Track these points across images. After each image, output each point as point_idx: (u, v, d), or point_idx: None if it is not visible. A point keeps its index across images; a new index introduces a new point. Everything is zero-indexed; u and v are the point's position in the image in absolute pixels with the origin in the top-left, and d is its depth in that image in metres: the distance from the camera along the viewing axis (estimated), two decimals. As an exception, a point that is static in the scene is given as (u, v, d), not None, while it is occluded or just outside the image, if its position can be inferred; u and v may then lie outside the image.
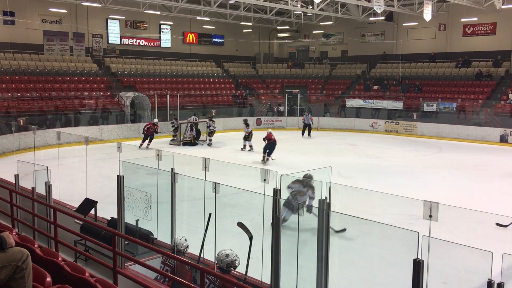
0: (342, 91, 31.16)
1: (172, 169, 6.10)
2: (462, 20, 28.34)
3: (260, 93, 31.79)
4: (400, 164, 16.78)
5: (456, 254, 4.68)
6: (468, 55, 28.27)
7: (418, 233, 3.25)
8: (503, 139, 22.14)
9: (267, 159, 16.44)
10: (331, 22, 32.34)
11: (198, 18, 29.63)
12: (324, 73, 33.95)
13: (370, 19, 28.64)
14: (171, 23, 31.63)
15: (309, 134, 24.04)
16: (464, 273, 5.11)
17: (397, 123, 26.02)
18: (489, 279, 2.98)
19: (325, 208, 4.42)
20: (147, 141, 19.30)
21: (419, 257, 3.34)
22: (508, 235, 7.92)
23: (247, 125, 19.81)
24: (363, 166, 16.09)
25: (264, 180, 5.45)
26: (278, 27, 35.29)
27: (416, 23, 29.01)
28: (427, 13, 21.10)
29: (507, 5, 24.05)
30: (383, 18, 29.19)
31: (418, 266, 3.25)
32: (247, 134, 19.30)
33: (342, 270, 6.00)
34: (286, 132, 26.28)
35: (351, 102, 28.92)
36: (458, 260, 4.82)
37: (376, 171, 15.21)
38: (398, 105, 27.12)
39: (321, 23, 32.48)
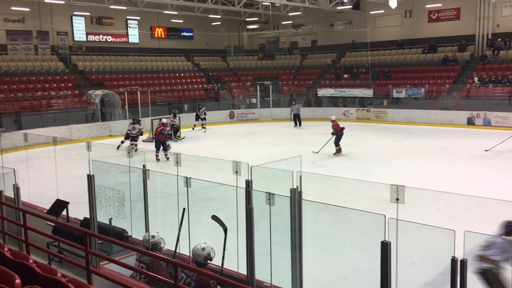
0: (313, 81, 31.39)
1: (144, 166, 6.07)
2: (427, 6, 28.90)
3: (232, 86, 31.73)
4: (373, 150, 17.05)
5: (424, 235, 4.83)
6: (434, 40, 28.84)
7: (385, 216, 3.33)
8: (470, 122, 22.76)
9: (339, 150, 16.07)
10: (300, 13, 32.43)
11: (165, 12, 29.27)
12: (295, 64, 34.10)
13: (338, 8, 28.87)
14: (138, 18, 31.17)
15: (299, 124, 24.34)
16: (431, 253, 5.28)
17: (368, 111, 26.39)
18: (452, 256, 3.09)
19: (296, 197, 4.48)
20: (161, 150, 15.66)
21: (387, 239, 3.43)
22: (475, 214, 8.18)
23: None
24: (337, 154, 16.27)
25: (236, 172, 5.48)
26: (247, 19, 35.22)
27: (383, 11, 29.42)
28: (393, 1, 21.40)
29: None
30: (351, 7, 29.46)
31: (385, 247, 3.35)
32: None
33: (316, 257, 6.10)
34: (259, 124, 26.37)
35: (322, 92, 29.16)
36: (425, 240, 4.97)
37: (349, 159, 15.44)
38: (369, 92, 27.50)
39: (290, 14, 32.55)
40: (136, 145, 17.06)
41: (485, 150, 14.58)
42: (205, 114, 23.77)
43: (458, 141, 18.32)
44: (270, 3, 28.53)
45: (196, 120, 23.82)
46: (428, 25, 29.68)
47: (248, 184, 5.13)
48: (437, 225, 3.64)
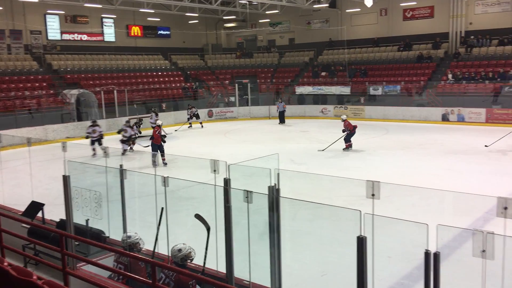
0: (291, 79, 31.52)
1: (121, 166, 6.01)
2: (401, 4, 29.34)
3: (210, 84, 31.63)
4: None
5: (400, 229, 4.92)
6: (409, 38, 29.29)
7: (360, 211, 3.39)
8: (444, 118, 23.21)
9: (349, 145, 16.24)
10: (277, 11, 32.54)
11: (141, 10, 28.98)
12: (273, 62, 34.18)
13: (315, 6, 29.07)
14: (114, 16, 30.78)
15: (283, 122, 24.68)
16: (407, 247, 5.39)
17: (345, 108, 26.65)
18: (426, 249, 3.16)
19: (274, 194, 4.51)
20: (158, 154, 14.40)
21: (363, 234, 3.49)
22: (449, 208, 8.37)
23: (156, 113, 20.25)
24: (315, 151, 16.41)
25: (214, 171, 5.48)
26: (225, 17, 35.14)
27: (359, 9, 29.74)
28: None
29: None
30: (327, 5, 29.69)
31: (361, 242, 3.40)
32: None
33: (295, 253, 6.15)
34: (238, 122, 26.37)
35: (300, 89, 29.33)
36: (401, 235, 5.07)
37: (328, 156, 15.57)
38: (346, 90, 27.78)
39: (267, 12, 32.62)
40: (95, 150, 16.06)
41: (485, 146, 14.95)
42: (193, 114, 23.70)
43: (433, 137, 18.66)
44: (248, 1, 28.54)
45: (189, 119, 24.03)
46: (403, 23, 30.13)
47: (226, 182, 5.14)
48: (412, 220, 3.72)
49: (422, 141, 17.83)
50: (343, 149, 16.13)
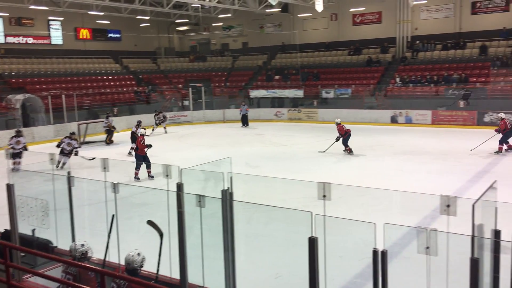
0: (245, 82, 31.63)
1: (68, 173, 5.81)
2: (351, 10, 30.16)
3: (163, 88, 31.21)
4: (304, 150, 17.48)
5: (351, 229, 5.03)
6: (358, 43, 30.12)
7: (311, 212, 3.43)
8: (393, 120, 24.00)
9: (349, 150, 15.97)
10: (230, 15, 32.59)
11: (90, 12, 28.22)
12: (227, 65, 34.19)
13: (267, 10, 29.34)
14: (61, 18, 29.79)
15: (246, 125, 24.79)
16: (358, 246, 5.52)
17: (299, 111, 27.04)
18: (374, 248, 3.25)
19: (227, 198, 4.50)
20: (143, 166, 12.92)
21: (315, 235, 3.54)
22: (399, 207, 8.65)
23: (107, 117, 20.11)
24: (270, 154, 16.53)
25: (167, 175, 5.40)
26: (177, 21, 34.80)
27: (311, 14, 30.27)
28: (318, 4, 22.09)
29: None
30: (279, 9, 30.07)
31: (312, 243, 3.45)
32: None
33: (250, 257, 6.16)
34: (192, 126, 26.15)
35: (254, 93, 29.49)
36: (352, 234, 5.18)
37: (282, 158, 15.71)
38: (299, 93, 28.18)
39: (220, 16, 32.61)
40: (19, 163, 14.07)
41: (471, 150, 15.24)
42: (161, 121, 23.41)
43: (383, 139, 19.25)
44: (200, 5, 28.42)
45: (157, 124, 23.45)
46: (352, 28, 30.96)
47: (179, 187, 5.08)
48: (363, 219, 3.81)
49: (373, 143, 18.34)
50: (346, 152, 15.89)
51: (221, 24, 35.51)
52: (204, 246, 5.03)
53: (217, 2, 26.19)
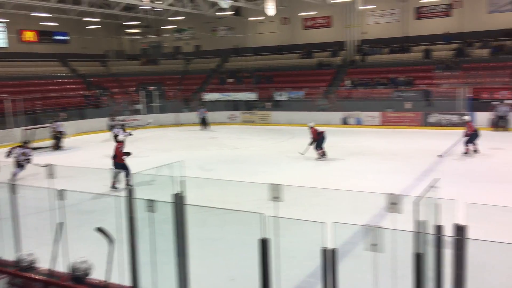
0: (198, 86, 31.45)
1: (12, 180, 5.55)
2: (302, 14, 30.67)
3: (114, 92, 30.48)
4: (259, 152, 17.57)
5: (302, 229, 5.11)
6: (310, 46, 30.68)
7: (263, 214, 3.46)
8: (344, 122, 24.58)
9: (322, 152, 15.54)
10: (183, 17, 32.33)
11: (34, 14, 27.15)
12: (179, 69, 33.86)
13: (219, 14, 29.32)
14: (6, 20, 28.50)
15: (205, 127, 24.73)
16: (310, 245, 5.60)
17: (253, 114, 27.17)
18: (323, 247, 3.31)
19: (179, 202, 4.45)
20: (122, 176, 11.66)
21: (267, 236, 3.56)
22: (351, 206, 8.87)
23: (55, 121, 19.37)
24: (224, 157, 16.49)
25: (117, 181, 5.29)
26: (128, 23, 34.14)
27: (263, 18, 30.52)
28: (269, 8, 22.32)
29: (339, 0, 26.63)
30: (232, 13, 30.12)
31: (264, 244, 3.47)
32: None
33: (204, 261, 6.12)
34: (145, 130, 25.65)
35: (208, 96, 29.37)
36: (304, 234, 5.26)
37: (237, 161, 15.71)
38: (253, 96, 28.35)
39: (172, 18, 32.29)
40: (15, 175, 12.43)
41: (438, 155, 15.23)
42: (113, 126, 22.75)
43: (335, 140, 19.61)
44: (151, 7, 27.99)
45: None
46: (304, 32, 31.50)
47: (130, 192, 4.98)
48: (317, 220, 3.88)
49: (326, 144, 18.68)
50: (316, 158, 15.46)
51: (173, 26, 35.15)
52: (157, 252, 4.95)
53: (169, 5, 25.90)
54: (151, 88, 29.08)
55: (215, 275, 6.06)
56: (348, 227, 3.85)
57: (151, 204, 4.30)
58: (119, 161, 11.76)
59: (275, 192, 4.18)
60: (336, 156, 16.00)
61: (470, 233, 3.38)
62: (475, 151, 14.90)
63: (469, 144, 14.89)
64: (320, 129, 16.03)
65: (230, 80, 30.87)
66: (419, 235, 3.01)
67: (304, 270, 5.69)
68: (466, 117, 15.96)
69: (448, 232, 3.26)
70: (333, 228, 3.17)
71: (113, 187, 11.38)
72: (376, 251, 3.06)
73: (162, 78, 32.57)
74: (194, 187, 10.56)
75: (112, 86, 31.37)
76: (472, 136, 14.86)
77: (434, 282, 3.34)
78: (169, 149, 18.89)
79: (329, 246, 3.35)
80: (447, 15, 27.84)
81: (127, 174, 11.63)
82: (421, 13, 28.57)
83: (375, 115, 24.00)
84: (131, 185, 10.99)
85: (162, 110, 27.91)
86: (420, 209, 3.21)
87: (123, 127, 16.82)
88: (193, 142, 20.91)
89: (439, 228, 3.27)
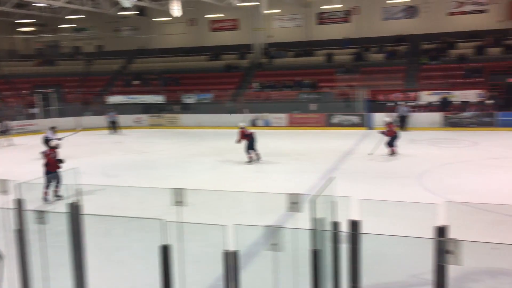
0: (101, 88, 30.09)
1: None
2: (208, 16, 30.65)
3: (5, 95, 28.12)
4: (167, 156, 17.20)
5: (206, 233, 5.03)
6: (217, 48, 30.76)
7: (161, 220, 3.33)
8: (253, 123, 24.94)
9: (255, 156, 14.67)
10: (83, 16, 30.73)
11: None
12: (80, 70, 32.12)
13: (122, 13, 28.31)
14: None
15: (115, 131, 23.85)
16: (215, 249, 5.55)
17: (160, 117, 26.60)
18: (225, 249, 3.27)
19: (74, 212, 4.16)
20: (53, 187, 10.66)
21: (169, 242, 3.44)
22: (258, 207, 8.98)
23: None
24: (131, 162, 15.91)
25: (4, 191, 4.84)
26: (21, 21, 31.70)
27: (169, 19, 30.01)
28: (175, 9, 22.01)
29: (244, 3, 26.97)
30: (136, 13, 29.25)
31: (165, 250, 3.35)
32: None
33: (105, 272, 5.81)
34: (40, 136, 23.96)
35: (113, 99, 28.21)
36: (210, 238, 5.20)
37: (144, 166, 15.23)
38: (160, 99, 27.76)
39: (70, 17, 30.56)
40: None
41: (369, 154, 15.18)
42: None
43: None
44: (46, 4, 26.25)
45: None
46: (211, 34, 31.53)
47: (19, 203, 4.57)
48: (225, 223, 3.82)
49: (235, 147, 18.77)
50: (247, 161, 14.93)
51: (73, 25, 33.29)
52: (51, 266, 4.59)
53: (66, 3, 24.45)
54: (48, 90, 27.24)
55: (115, 286, 5.77)
56: (253, 228, 3.85)
57: (41, 215, 3.97)
58: (51, 170, 10.67)
59: (178, 197, 4.06)
60: (246, 158, 16.15)
61: (365, 228, 3.53)
62: (393, 153, 15.05)
63: (390, 145, 15.06)
64: (248, 130, 15.52)
65: (136, 82, 29.93)
66: (315, 232, 3.07)
67: (210, 275, 5.62)
68: (387, 119, 16.08)
69: (344, 227, 3.38)
70: (235, 231, 3.13)
71: (45, 198, 10.27)
72: (276, 251, 3.07)
73: (61, 80, 30.62)
74: (95, 195, 10.04)
75: (4, 89, 28.92)
76: (393, 137, 15.07)
77: (332, 276, 3.44)
78: (69, 156, 17.77)
79: (232, 248, 3.31)
80: (346, 21, 29.47)
81: (58, 183, 10.57)
82: (322, 18, 29.94)
83: (283, 117, 24.67)
84: (60, 196, 10.41)
85: (62, 114, 26.25)
86: (318, 207, 3.29)
87: (53, 129, 15.57)
88: (96, 147, 19.92)
89: (335, 225, 3.38)
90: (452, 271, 3.17)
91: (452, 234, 3.08)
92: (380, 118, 22.52)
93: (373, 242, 3.71)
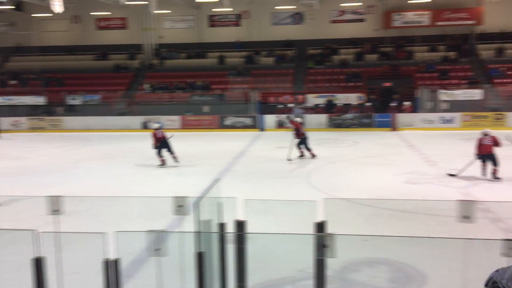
0: (-30, 88, 27.15)
1: None
2: (93, 13, 29.20)
3: None
4: (50, 162, 16.01)
5: (86, 242, 4.75)
6: (105, 48, 29.42)
7: (33, 231, 3.06)
8: (145, 126, 24.25)
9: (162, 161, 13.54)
10: None
11: None
12: None
13: (-4, 7, 25.86)
14: None
15: None
16: (94, 258, 5.27)
17: (42, 120, 24.70)
18: (105, 258, 3.10)
19: None
20: None
21: (42, 254, 3.17)
22: (149, 212, 8.72)
23: None
24: (5, 170, 14.53)
25: None
26: None
27: (50, 15, 28.02)
28: (56, 5, 20.61)
29: (132, 1, 26.18)
30: (13, 7, 26.93)
31: (38, 263, 3.09)
32: None
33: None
34: None
35: (-15, 100, 25.57)
36: (90, 247, 4.92)
37: (23, 173, 13.98)
38: (41, 100, 25.78)
39: None
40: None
41: (288, 160, 14.64)
42: None
43: (134, 145, 19.20)
44: None
45: None
46: (97, 32, 30.06)
47: None
48: (111, 229, 3.61)
49: (125, 150, 18.11)
50: (159, 164, 14.15)
51: None
52: None
53: None
54: None
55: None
56: (140, 234, 3.69)
57: None
58: None
59: (55, 205, 3.77)
60: (136, 161, 15.64)
61: (252, 227, 3.58)
62: (302, 155, 15.04)
63: (301, 146, 14.99)
64: (161, 133, 14.71)
65: (13, 82, 27.45)
66: (200, 234, 3.04)
67: (92, 285, 5.31)
68: (298, 119, 16.06)
69: (231, 228, 3.39)
70: (117, 238, 2.97)
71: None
72: (160, 256, 2.98)
73: None
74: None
75: None
76: (304, 138, 14.99)
77: (219, 277, 3.44)
78: None
79: (113, 256, 3.14)
80: (237, 25, 29.99)
81: None
82: (214, 21, 30.12)
83: (175, 119, 24.31)
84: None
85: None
86: (205, 209, 3.26)
87: None
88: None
89: (221, 226, 3.38)
90: (335, 263, 3.34)
91: (330, 229, 3.24)
92: (271, 119, 23.35)
93: (260, 241, 3.77)
